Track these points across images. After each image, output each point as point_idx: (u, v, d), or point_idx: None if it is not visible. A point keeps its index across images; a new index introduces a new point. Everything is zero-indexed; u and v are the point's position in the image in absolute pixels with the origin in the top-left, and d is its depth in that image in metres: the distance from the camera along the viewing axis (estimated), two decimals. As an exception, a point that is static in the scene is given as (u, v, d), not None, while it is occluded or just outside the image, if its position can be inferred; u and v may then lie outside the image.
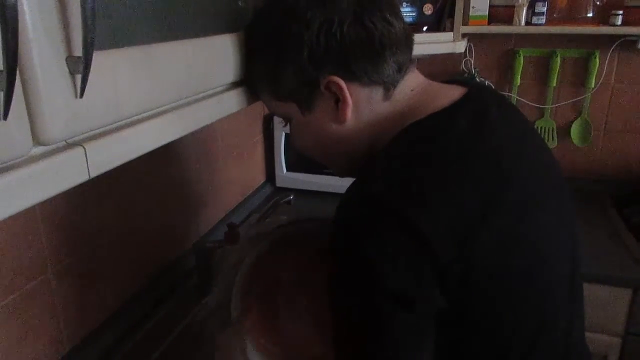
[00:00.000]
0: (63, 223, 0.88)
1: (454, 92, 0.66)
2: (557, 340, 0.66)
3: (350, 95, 0.63)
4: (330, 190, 1.69)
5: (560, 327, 0.66)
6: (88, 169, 0.42)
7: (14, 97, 0.34)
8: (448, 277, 0.53)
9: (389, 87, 0.64)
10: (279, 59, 0.64)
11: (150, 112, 0.51)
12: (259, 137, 1.71)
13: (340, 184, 1.66)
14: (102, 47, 0.41)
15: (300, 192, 1.68)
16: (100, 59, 0.41)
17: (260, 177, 1.76)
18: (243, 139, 1.58)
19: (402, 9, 1.38)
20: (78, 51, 0.38)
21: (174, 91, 0.54)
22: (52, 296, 0.87)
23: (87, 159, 0.42)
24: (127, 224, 1.05)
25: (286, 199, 1.37)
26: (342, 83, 0.62)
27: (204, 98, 0.61)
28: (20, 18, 0.34)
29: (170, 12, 0.51)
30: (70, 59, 0.38)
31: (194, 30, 0.56)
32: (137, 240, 1.09)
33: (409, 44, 0.67)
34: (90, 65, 0.38)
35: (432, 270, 0.53)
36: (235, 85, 0.68)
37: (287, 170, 1.73)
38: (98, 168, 0.44)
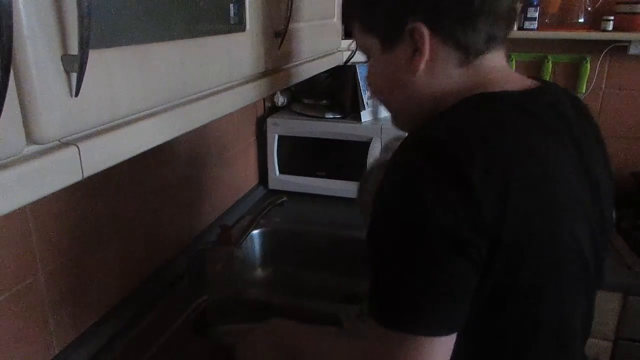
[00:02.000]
0: (54, 223, 0.87)
1: (529, 82, 0.66)
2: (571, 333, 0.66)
3: (430, 49, 0.62)
4: (323, 192, 1.69)
5: (577, 320, 0.66)
6: (82, 168, 0.42)
7: (7, 95, 0.33)
8: (486, 233, 0.54)
9: (469, 55, 0.63)
10: None
11: (144, 112, 0.51)
12: (252, 139, 1.70)
13: (332, 186, 1.67)
14: (98, 46, 0.41)
15: (292, 195, 1.67)
16: (96, 58, 0.41)
17: (252, 180, 1.75)
18: (236, 141, 1.58)
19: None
20: (74, 49, 0.38)
21: (168, 91, 0.54)
22: (42, 297, 0.86)
23: (80, 158, 0.42)
24: (118, 225, 1.04)
25: (279, 202, 1.37)
26: (426, 34, 0.61)
27: (198, 99, 0.60)
28: (15, 15, 0.34)
29: (166, 12, 0.51)
30: (66, 58, 0.38)
31: (189, 31, 0.56)
32: (129, 242, 1.08)
33: (510, 21, 0.65)
34: (86, 64, 0.37)
35: (475, 218, 0.53)
36: (229, 86, 0.68)
37: (280, 172, 1.72)
38: (92, 168, 0.43)
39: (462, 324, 0.57)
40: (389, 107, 0.75)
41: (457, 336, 0.57)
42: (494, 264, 0.55)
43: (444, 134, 0.57)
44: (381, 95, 0.73)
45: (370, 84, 0.74)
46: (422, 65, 0.63)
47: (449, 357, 0.57)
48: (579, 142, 0.64)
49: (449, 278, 0.54)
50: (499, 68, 0.65)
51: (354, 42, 1.30)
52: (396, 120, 0.76)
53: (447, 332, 0.56)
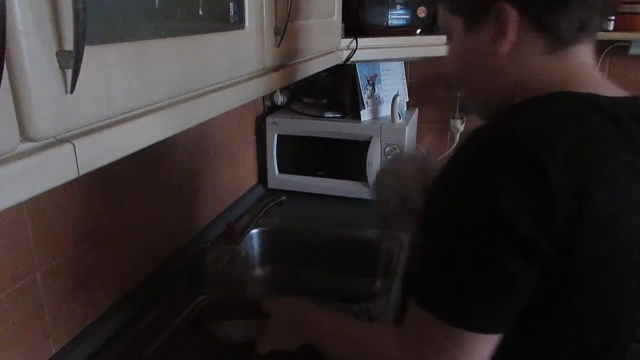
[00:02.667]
0: (51, 222, 0.87)
1: (617, 90, 0.62)
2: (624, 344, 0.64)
3: (515, 32, 0.60)
4: (322, 192, 1.69)
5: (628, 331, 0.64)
6: (77, 166, 0.41)
7: (1, 91, 0.33)
8: (556, 235, 0.52)
9: (557, 42, 0.60)
10: None
11: (141, 110, 0.50)
12: (251, 139, 1.70)
13: (332, 186, 1.67)
14: (94, 42, 0.40)
15: (292, 194, 1.67)
16: (92, 54, 0.40)
17: (252, 179, 1.75)
18: (235, 140, 1.57)
19: (395, 12, 1.38)
20: (69, 45, 0.37)
21: (166, 89, 0.53)
22: (40, 296, 0.85)
23: (76, 156, 0.41)
24: (117, 224, 1.04)
25: (278, 200, 1.37)
26: (513, 16, 0.59)
27: (196, 96, 0.60)
28: (8, 10, 0.33)
29: (164, 8, 0.51)
30: (61, 54, 0.37)
31: (188, 28, 0.56)
32: (128, 241, 1.08)
33: (605, 12, 0.61)
34: (82, 60, 0.37)
35: (546, 219, 0.51)
36: (228, 84, 0.67)
37: (279, 171, 1.72)
38: (87, 165, 0.43)
39: (509, 326, 0.55)
40: (465, 88, 0.74)
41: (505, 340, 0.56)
42: (559, 268, 0.53)
43: (524, 126, 0.54)
44: (459, 76, 0.71)
45: (449, 66, 0.72)
46: (505, 48, 0.61)
47: (488, 358, 0.56)
48: None
49: (508, 278, 0.53)
50: (586, 64, 0.62)
51: (354, 41, 1.30)
52: (473, 107, 0.75)
53: (495, 332, 0.55)
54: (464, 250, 0.54)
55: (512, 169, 0.51)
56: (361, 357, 0.69)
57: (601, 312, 0.59)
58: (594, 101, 0.58)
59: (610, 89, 0.61)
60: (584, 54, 0.62)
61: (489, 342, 0.55)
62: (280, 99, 1.77)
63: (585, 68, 0.62)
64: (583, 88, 0.59)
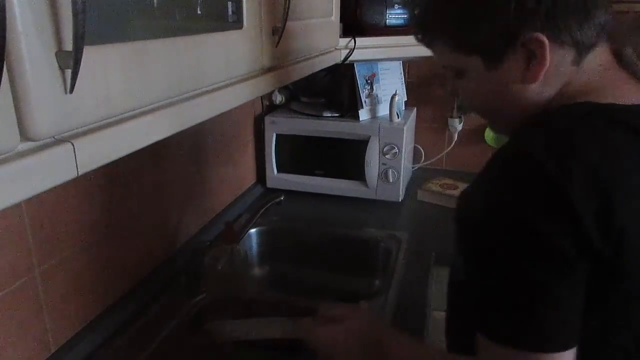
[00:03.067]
0: (50, 221, 0.87)
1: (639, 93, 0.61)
2: None
3: (549, 55, 0.59)
4: (321, 191, 1.69)
5: None
6: (77, 165, 0.42)
7: (1, 92, 0.33)
8: (589, 248, 0.53)
9: (582, 51, 0.61)
10: (479, 5, 0.60)
11: (140, 110, 0.50)
12: (249, 138, 1.70)
13: (330, 185, 1.67)
14: (93, 42, 0.41)
15: (290, 193, 1.67)
16: (91, 54, 0.40)
17: (250, 178, 1.75)
18: (234, 139, 1.57)
19: (393, 11, 1.39)
20: (68, 46, 0.38)
21: (164, 89, 0.53)
22: (38, 296, 0.86)
23: (75, 155, 0.41)
24: (115, 223, 1.04)
25: (276, 200, 1.37)
26: (546, 42, 0.58)
27: (195, 96, 0.60)
28: (8, 10, 0.33)
29: (163, 8, 0.51)
30: (60, 54, 0.38)
31: (187, 28, 0.56)
32: (126, 240, 1.08)
33: (606, 4, 0.61)
34: (81, 60, 0.37)
35: (576, 234, 0.52)
36: (226, 84, 0.68)
37: (278, 171, 1.72)
38: (87, 165, 0.43)
39: (576, 340, 0.56)
40: (490, 118, 0.73)
41: None
42: (598, 279, 0.55)
43: (541, 150, 0.55)
44: (479, 110, 0.71)
45: (467, 104, 0.71)
46: (542, 74, 0.61)
47: None
48: None
49: (560, 295, 0.54)
50: (606, 66, 0.63)
51: (352, 41, 1.30)
52: (493, 125, 0.75)
53: (572, 346, 0.56)
54: (521, 278, 0.55)
55: (538, 195, 0.53)
56: None
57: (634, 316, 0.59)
58: (614, 114, 0.58)
59: (631, 92, 0.62)
60: (603, 55, 0.63)
61: (567, 358, 0.56)
62: (278, 99, 1.77)
63: (607, 71, 0.63)
64: (605, 96, 0.60)
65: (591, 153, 0.55)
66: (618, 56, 0.64)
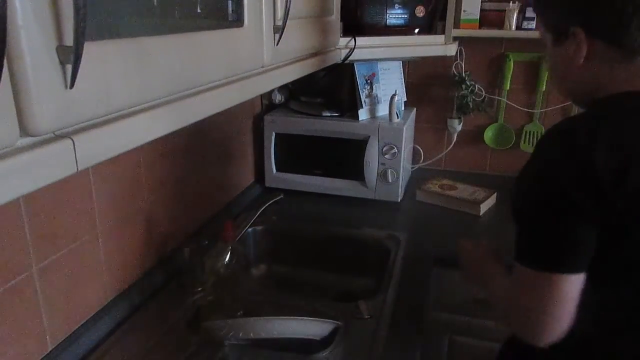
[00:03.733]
0: (48, 218, 0.86)
1: None
2: None
3: (589, 47, 0.77)
4: (320, 191, 1.69)
5: None
6: (76, 161, 0.42)
7: (1, 86, 0.33)
8: (607, 201, 0.69)
9: (624, 53, 0.75)
10: None
11: (140, 106, 0.50)
12: (249, 137, 1.70)
13: (329, 185, 1.67)
14: (95, 38, 0.40)
15: (289, 193, 1.67)
16: (92, 50, 0.40)
17: (249, 177, 1.75)
18: (233, 138, 1.57)
19: (393, 11, 1.39)
20: (69, 41, 0.37)
21: (165, 85, 0.53)
22: (36, 293, 0.85)
23: (75, 151, 0.41)
24: (114, 221, 1.03)
25: (275, 199, 1.37)
26: (583, 36, 0.76)
27: (195, 94, 0.60)
28: (9, 4, 0.33)
29: (164, 5, 0.51)
30: (61, 49, 0.38)
31: (187, 25, 0.56)
32: (125, 238, 1.08)
33: None
34: (81, 55, 0.37)
35: (596, 192, 0.69)
36: (226, 82, 0.67)
37: (277, 170, 1.72)
38: (86, 161, 0.43)
39: (585, 268, 0.73)
40: (556, 86, 0.92)
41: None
42: (612, 227, 0.71)
43: (580, 127, 0.73)
44: (552, 76, 0.92)
45: (547, 64, 0.95)
46: (581, 60, 0.78)
47: (575, 299, 0.73)
48: None
49: (578, 234, 0.72)
50: None
51: (352, 40, 1.30)
52: (556, 87, 0.93)
53: (577, 271, 0.73)
54: (546, 218, 0.73)
55: (567, 160, 0.71)
56: (501, 307, 0.85)
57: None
58: None
59: None
60: None
61: (574, 283, 0.73)
62: (278, 98, 1.77)
63: None
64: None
65: (613, 129, 0.71)
66: None
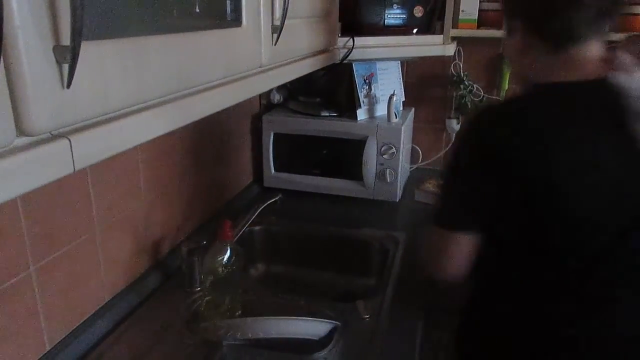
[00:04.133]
0: (45, 218, 0.86)
1: (602, 74, 0.80)
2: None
3: (528, 39, 0.86)
4: (318, 191, 1.69)
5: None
6: (73, 161, 0.41)
7: (-3, 85, 0.33)
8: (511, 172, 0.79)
9: (555, 45, 0.83)
10: None
11: (138, 106, 0.50)
12: (247, 137, 1.70)
13: (327, 184, 1.67)
14: (92, 37, 0.40)
15: (287, 192, 1.67)
16: (89, 49, 0.40)
17: (248, 177, 1.75)
18: (231, 138, 1.57)
19: (392, 11, 1.39)
20: (66, 40, 0.37)
21: (162, 85, 0.53)
22: (34, 293, 0.85)
23: (72, 151, 0.41)
24: (112, 220, 1.03)
25: (273, 199, 1.37)
26: (519, 28, 0.86)
27: (193, 93, 0.60)
28: (6, 4, 0.33)
29: (162, 4, 0.51)
30: (58, 48, 0.37)
31: (185, 25, 0.56)
32: (123, 238, 1.07)
33: (608, 12, 0.80)
34: (78, 55, 0.37)
35: (499, 162, 0.79)
36: (225, 82, 0.67)
37: (275, 170, 1.72)
38: (83, 161, 0.43)
39: (475, 229, 0.84)
40: (514, 73, 1.10)
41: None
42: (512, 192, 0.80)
43: (501, 115, 0.83)
44: (511, 66, 1.07)
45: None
46: (517, 48, 0.88)
47: (464, 259, 0.86)
48: (629, 133, 0.77)
49: (469, 199, 0.84)
50: (588, 59, 0.82)
51: (350, 40, 1.30)
52: (516, 79, 1.09)
53: (466, 231, 0.85)
54: (449, 183, 0.88)
55: (472, 134, 0.84)
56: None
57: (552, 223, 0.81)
58: (561, 90, 0.82)
59: (593, 73, 0.81)
60: (583, 51, 0.82)
61: (463, 242, 0.85)
62: (276, 98, 1.77)
63: (578, 62, 0.82)
64: (565, 78, 0.82)
65: (528, 121, 0.79)
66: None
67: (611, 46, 0.84)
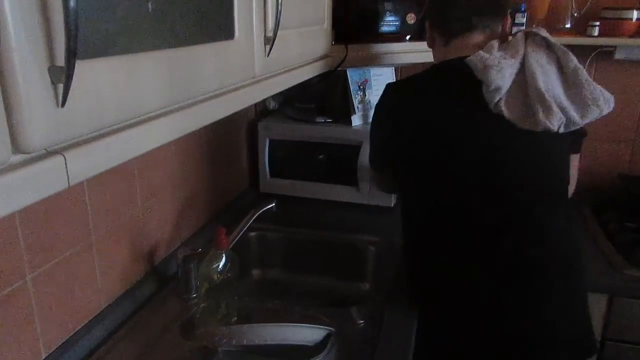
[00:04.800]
0: (42, 226, 0.87)
1: (467, 55, 1.03)
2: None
3: (430, 35, 1.17)
4: (314, 196, 1.70)
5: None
6: (68, 177, 0.42)
7: (-6, 106, 0.34)
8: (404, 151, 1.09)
9: (447, 37, 1.11)
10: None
11: (132, 120, 0.51)
12: (243, 143, 1.71)
13: (323, 190, 1.68)
14: (85, 57, 0.41)
15: (283, 198, 1.68)
16: (83, 68, 0.41)
17: (243, 183, 1.76)
18: (227, 144, 1.58)
19: (385, 18, 1.40)
20: (60, 61, 0.38)
21: (156, 100, 0.54)
22: (30, 301, 0.86)
23: (67, 167, 0.42)
24: (108, 228, 1.04)
25: (269, 206, 1.37)
26: (428, 26, 1.17)
27: (187, 106, 0.61)
28: (2, 26, 0.34)
29: (154, 22, 0.52)
30: (53, 69, 0.39)
31: (178, 40, 0.57)
32: (120, 245, 1.08)
33: (484, 12, 1.08)
34: (73, 75, 0.38)
35: (397, 135, 1.09)
36: (218, 93, 0.68)
37: (271, 176, 1.73)
38: (78, 176, 0.44)
39: (389, 170, 1.20)
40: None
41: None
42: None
43: (397, 86, 1.15)
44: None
45: None
46: (429, 44, 1.19)
47: (389, 184, 1.30)
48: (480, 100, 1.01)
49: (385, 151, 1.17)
50: (468, 47, 1.08)
51: (344, 48, 1.31)
52: None
53: (383, 171, 1.25)
54: (372, 139, 1.20)
55: (385, 109, 1.15)
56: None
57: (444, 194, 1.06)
58: (432, 70, 1.11)
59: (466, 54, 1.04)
60: (470, 40, 1.09)
61: (386, 176, 1.25)
62: (272, 104, 1.78)
63: (460, 50, 1.07)
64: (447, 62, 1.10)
65: (412, 93, 1.09)
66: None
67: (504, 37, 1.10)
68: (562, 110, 0.97)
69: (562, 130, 0.98)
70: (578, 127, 1.00)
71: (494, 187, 1.01)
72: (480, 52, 1.00)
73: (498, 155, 1.01)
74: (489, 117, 0.99)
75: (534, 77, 0.97)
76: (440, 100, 1.04)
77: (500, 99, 0.98)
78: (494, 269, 1.01)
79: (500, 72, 0.97)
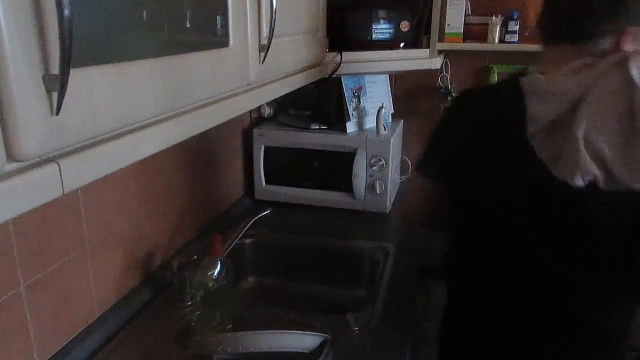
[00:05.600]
0: (36, 235, 0.87)
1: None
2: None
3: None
4: (309, 203, 1.70)
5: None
6: (62, 185, 0.43)
7: (-12, 115, 0.34)
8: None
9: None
10: None
11: (127, 128, 0.51)
12: (238, 150, 1.71)
13: (318, 197, 1.68)
14: (80, 65, 0.42)
15: (278, 205, 1.68)
16: (78, 76, 0.41)
17: (239, 190, 1.76)
18: (222, 151, 1.58)
19: (379, 26, 1.41)
20: (55, 69, 0.39)
21: (151, 107, 0.54)
22: (24, 310, 0.85)
23: (61, 175, 0.42)
24: (102, 236, 1.04)
25: (264, 213, 1.37)
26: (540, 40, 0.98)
27: (182, 113, 0.61)
28: (-4, 37, 0.34)
29: (148, 30, 0.52)
30: (47, 77, 0.39)
31: (172, 48, 0.57)
32: (114, 253, 1.08)
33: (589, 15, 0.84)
34: (67, 83, 0.38)
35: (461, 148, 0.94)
36: (213, 100, 0.69)
37: (266, 183, 1.73)
38: (72, 184, 0.44)
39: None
40: None
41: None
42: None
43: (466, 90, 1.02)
44: None
45: None
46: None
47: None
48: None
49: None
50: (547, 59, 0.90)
51: (338, 55, 1.32)
52: None
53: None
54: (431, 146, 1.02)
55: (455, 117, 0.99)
56: None
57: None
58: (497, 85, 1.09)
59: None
60: (552, 53, 0.90)
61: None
62: (267, 111, 1.79)
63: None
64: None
65: (481, 103, 0.95)
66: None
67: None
68: (602, 163, 0.75)
69: (601, 186, 0.76)
70: (625, 189, 0.75)
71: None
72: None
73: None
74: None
75: (583, 116, 0.76)
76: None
77: (534, 132, 0.81)
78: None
79: (543, 101, 0.80)
